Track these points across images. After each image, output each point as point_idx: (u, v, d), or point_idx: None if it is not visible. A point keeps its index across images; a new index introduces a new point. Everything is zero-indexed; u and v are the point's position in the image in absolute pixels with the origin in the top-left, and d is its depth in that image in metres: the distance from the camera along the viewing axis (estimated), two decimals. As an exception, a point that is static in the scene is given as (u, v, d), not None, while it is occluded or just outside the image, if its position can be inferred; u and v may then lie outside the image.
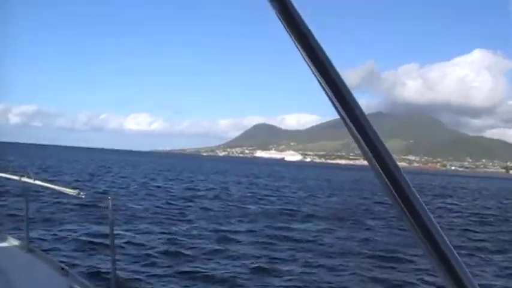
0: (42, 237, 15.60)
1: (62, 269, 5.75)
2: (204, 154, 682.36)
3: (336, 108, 0.92)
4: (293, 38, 0.91)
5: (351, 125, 0.91)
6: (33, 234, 10.92)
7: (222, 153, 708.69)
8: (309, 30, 0.91)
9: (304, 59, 0.91)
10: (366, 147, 0.91)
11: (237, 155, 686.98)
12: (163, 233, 19.13)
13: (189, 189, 43.22)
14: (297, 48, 0.91)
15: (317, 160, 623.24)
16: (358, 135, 0.91)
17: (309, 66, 0.91)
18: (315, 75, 0.92)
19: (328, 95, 0.92)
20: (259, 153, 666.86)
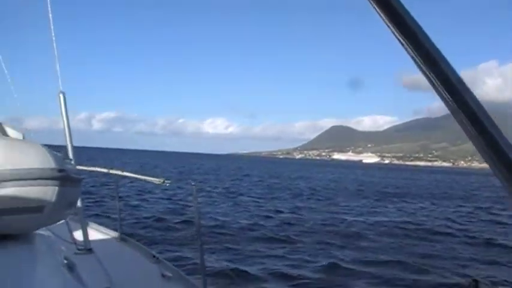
0: (133, 226, 15.88)
1: (154, 256, 5.88)
2: (280, 156, 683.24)
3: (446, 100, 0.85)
4: (395, 25, 0.85)
5: (464, 118, 0.83)
6: (125, 223, 10.25)
7: (298, 156, 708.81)
8: (414, 21, 0.85)
9: (405, 44, 0.85)
10: (483, 142, 0.82)
11: (313, 157, 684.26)
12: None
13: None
14: (397, 34, 0.86)
15: (395, 162, 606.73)
16: (473, 129, 0.82)
17: (412, 52, 0.86)
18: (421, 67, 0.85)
19: (437, 90, 0.85)
20: (337, 156, 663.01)
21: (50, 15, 5.10)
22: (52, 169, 2.26)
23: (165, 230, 16.50)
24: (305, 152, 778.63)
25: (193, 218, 5.48)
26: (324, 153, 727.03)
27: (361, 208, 29.06)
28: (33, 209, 2.21)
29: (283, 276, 11.71)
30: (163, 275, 5.15)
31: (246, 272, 11.73)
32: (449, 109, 0.83)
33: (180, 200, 24.10)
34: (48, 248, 2.55)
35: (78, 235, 5.22)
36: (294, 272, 12.14)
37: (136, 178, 7.42)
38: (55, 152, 2.47)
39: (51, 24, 5.12)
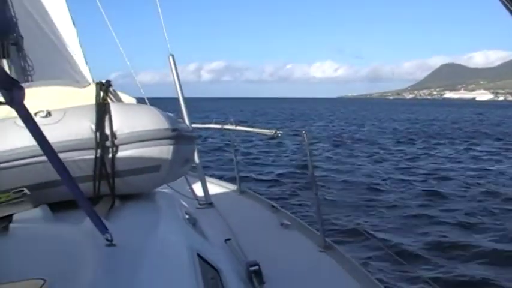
0: (250, 179, 15.75)
1: (272, 206, 6.03)
2: (391, 98, 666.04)
3: None
4: None
5: None
6: (243, 176, 10.15)
7: (409, 96, 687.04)
8: None
9: None
10: None
11: (424, 97, 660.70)
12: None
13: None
14: None
15: (510, 98, 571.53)
16: None
17: None
18: None
19: None
20: (448, 94, 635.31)
21: None
22: (166, 129, 2.37)
23: (282, 181, 16.07)
24: (415, 92, 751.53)
25: (307, 167, 5.38)
26: (435, 93, 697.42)
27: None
28: (150, 168, 2.37)
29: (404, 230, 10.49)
30: (281, 224, 5.29)
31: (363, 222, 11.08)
32: None
33: (294, 149, 23.73)
34: (170, 204, 2.68)
35: (198, 191, 5.62)
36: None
37: (249, 131, 7.34)
38: (168, 113, 2.58)
39: None
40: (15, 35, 4.54)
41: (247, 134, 19.33)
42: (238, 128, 6.70)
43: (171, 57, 5.59)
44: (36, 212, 1.98)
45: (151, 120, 2.37)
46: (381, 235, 9.93)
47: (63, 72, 5.04)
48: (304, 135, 5.23)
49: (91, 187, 2.26)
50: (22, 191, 2.04)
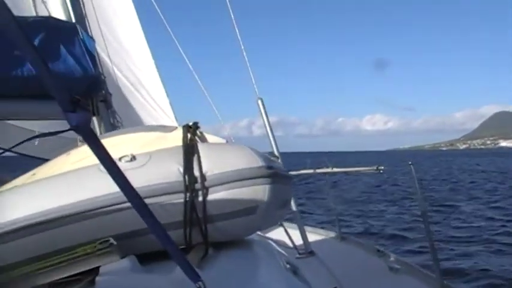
0: (350, 224, 14.78)
1: (378, 250, 5.75)
2: (444, 149, 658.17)
3: None
4: None
5: None
6: (343, 222, 9.59)
7: (462, 146, 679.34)
8: None
9: None
10: None
11: (478, 146, 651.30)
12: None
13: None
14: None
15: None
16: None
17: None
18: None
19: None
20: (503, 143, 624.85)
21: (237, 29, 5.41)
22: (260, 167, 2.09)
23: (385, 223, 15.27)
24: (469, 142, 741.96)
25: (413, 202, 5.04)
26: (488, 142, 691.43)
27: None
28: (246, 210, 2.08)
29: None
30: (391, 268, 5.02)
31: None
32: None
33: (396, 187, 23.38)
34: (269, 252, 2.43)
35: (296, 239, 5.24)
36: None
37: (349, 172, 7.21)
38: (260, 152, 2.32)
39: (240, 38, 5.41)
40: (103, 92, 4.49)
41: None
42: (336, 170, 7.53)
43: (260, 101, 5.61)
44: (124, 264, 1.84)
45: (243, 159, 2.12)
46: (505, 274, 9.17)
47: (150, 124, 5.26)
48: (411, 167, 5.04)
49: (181, 234, 2.02)
50: (108, 241, 1.90)
